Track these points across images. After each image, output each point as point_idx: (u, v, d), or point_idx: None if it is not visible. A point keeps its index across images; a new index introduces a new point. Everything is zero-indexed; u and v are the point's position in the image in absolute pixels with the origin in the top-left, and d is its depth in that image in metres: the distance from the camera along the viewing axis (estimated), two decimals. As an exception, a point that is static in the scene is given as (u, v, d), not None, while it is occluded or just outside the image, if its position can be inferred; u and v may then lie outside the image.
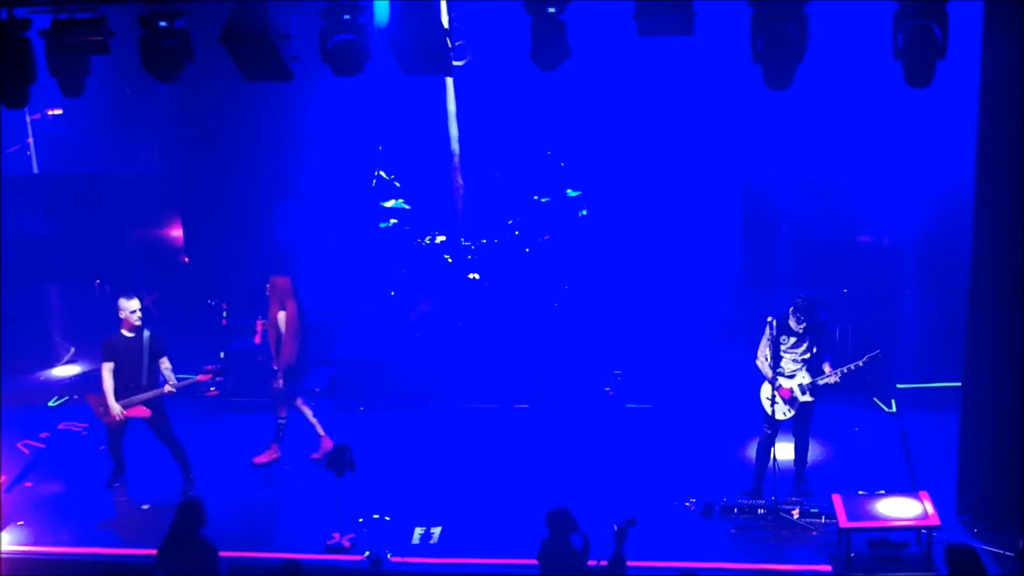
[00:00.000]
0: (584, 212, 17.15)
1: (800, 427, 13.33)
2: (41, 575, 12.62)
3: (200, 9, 12.15)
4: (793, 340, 13.05)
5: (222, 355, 16.41)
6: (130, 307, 13.73)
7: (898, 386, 15.49)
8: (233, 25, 11.68)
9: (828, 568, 12.11)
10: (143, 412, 13.83)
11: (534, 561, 11.92)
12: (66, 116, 17.69)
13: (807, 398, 13.10)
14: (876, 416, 15.17)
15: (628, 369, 16.48)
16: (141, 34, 12.12)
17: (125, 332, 13.76)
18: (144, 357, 13.76)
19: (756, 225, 16.69)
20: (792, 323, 13.03)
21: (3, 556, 12.55)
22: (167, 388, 13.81)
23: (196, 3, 12.31)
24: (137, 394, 13.74)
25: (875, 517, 12.21)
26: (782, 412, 13.07)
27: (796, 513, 12.84)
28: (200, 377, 14.24)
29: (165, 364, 13.88)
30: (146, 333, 13.79)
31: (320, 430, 14.59)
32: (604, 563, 10.76)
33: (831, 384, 13.05)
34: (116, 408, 13.68)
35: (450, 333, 16.56)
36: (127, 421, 13.88)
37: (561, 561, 10.72)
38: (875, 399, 15.38)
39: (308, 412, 14.63)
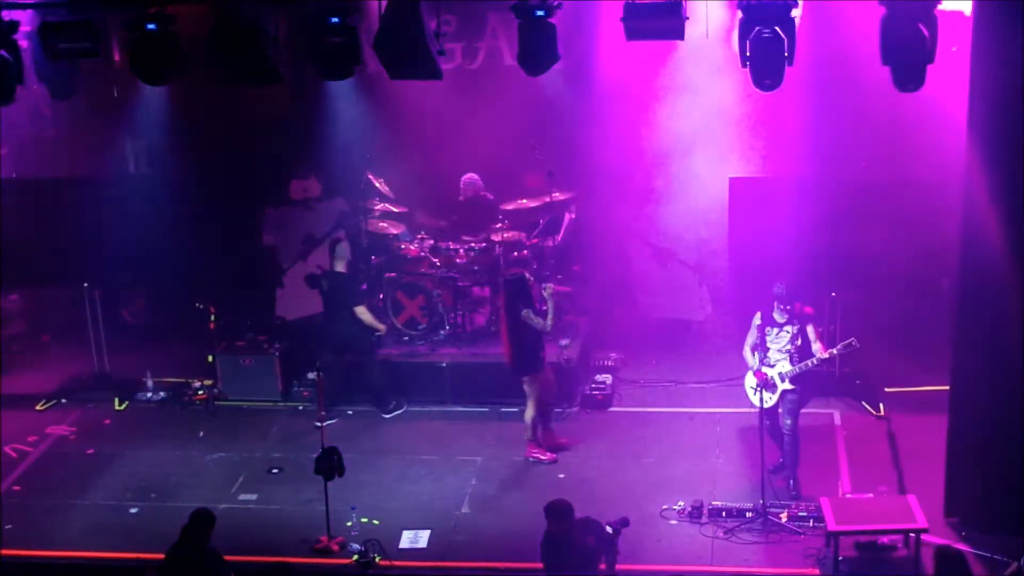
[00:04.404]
0: (573, 215, 17.14)
1: (788, 429, 13.33)
2: (29, 580, 12.63)
3: (187, 12, 12.16)
4: (776, 331, 13.13)
5: (210, 359, 16.38)
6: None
7: (886, 389, 15.51)
8: (221, 28, 11.67)
9: (816, 571, 12.11)
10: None
11: (522, 565, 11.96)
12: (53, 118, 17.66)
13: (786, 385, 13.13)
14: (864, 420, 15.17)
15: (619, 370, 16.48)
16: (129, 37, 12.12)
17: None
18: None
19: (745, 227, 16.71)
20: (776, 315, 13.13)
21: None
22: None
23: (183, 6, 12.33)
24: None
25: (863, 520, 12.21)
26: (766, 399, 13.12)
27: (784, 516, 12.85)
28: None
29: None
30: None
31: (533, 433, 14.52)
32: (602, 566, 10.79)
33: (812, 367, 13.10)
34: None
35: (438, 336, 16.53)
36: None
37: (563, 552, 10.73)
38: (863, 403, 15.39)
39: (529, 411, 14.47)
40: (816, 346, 13.11)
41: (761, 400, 13.17)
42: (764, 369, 13.15)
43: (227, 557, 11.14)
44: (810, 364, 13.11)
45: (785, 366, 13.16)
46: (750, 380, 13.33)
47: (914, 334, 15.93)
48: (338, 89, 16.13)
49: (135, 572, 12.36)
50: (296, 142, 17.43)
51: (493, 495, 13.84)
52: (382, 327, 16.05)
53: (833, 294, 15.59)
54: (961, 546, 11.90)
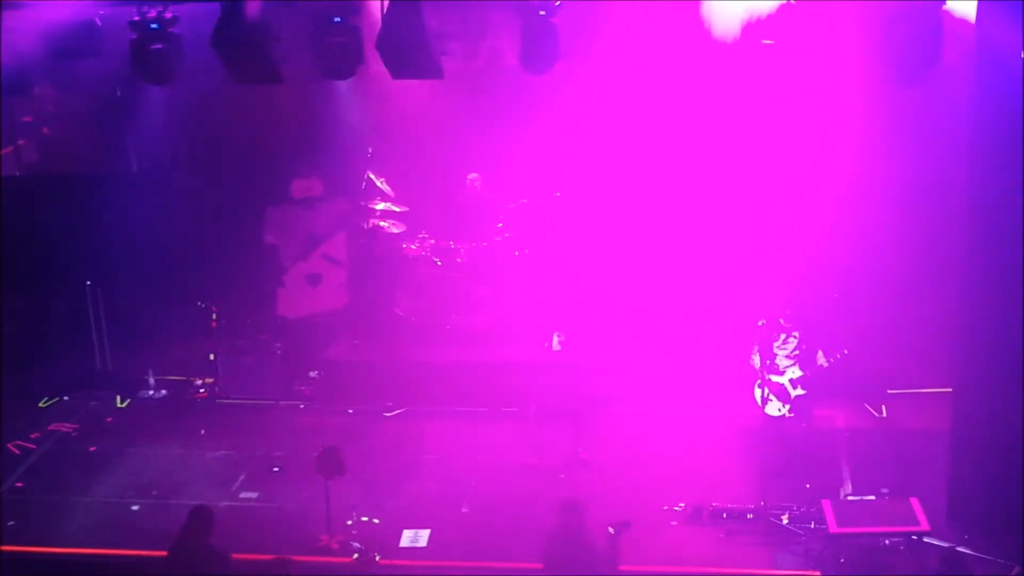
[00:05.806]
0: (572, 215, 17.14)
1: (802, 431, 13.33)
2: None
3: (191, 12, 12.17)
4: (783, 336, 13.13)
5: (212, 357, 16.38)
6: None
7: (889, 392, 15.50)
8: (223, 29, 11.68)
9: (817, 574, 12.10)
10: None
11: (522, 565, 11.95)
12: (56, 118, 17.66)
13: (798, 392, 13.14)
14: (866, 422, 15.14)
15: (616, 369, 16.47)
16: (132, 38, 12.14)
17: None
18: None
19: (744, 227, 16.70)
20: (781, 320, 13.13)
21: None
22: None
23: (187, 7, 12.35)
24: None
25: (865, 522, 12.20)
26: (775, 409, 13.11)
27: (785, 518, 12.84)
28: None
29: None
30: None
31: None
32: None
33: (821, 370, 13.10)
34: None
35: (439, 336, 16.53)
36: None
37: (564, 552, 10.74)
38: (865, 405, 15.37)
39: None
40: (820, 352, 13.13)
41: (763, 401, 13.16)
42: (772, 377, 13.12)
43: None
44: (824, 363, 13.11)
45: (795, 372, 13.17)
46: (758, 389, 13.33)
47: (916, 336, 15.91)
48: (340, 88, 16.13)
49: (135, 568, 12.35)
50: (298, 141, 17.44)
51: (493, 495, 13.83)
52: None
53: (835, 295, 15.57)
54: (963, 549, 11.88)
